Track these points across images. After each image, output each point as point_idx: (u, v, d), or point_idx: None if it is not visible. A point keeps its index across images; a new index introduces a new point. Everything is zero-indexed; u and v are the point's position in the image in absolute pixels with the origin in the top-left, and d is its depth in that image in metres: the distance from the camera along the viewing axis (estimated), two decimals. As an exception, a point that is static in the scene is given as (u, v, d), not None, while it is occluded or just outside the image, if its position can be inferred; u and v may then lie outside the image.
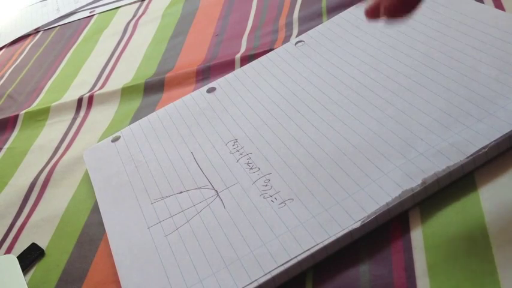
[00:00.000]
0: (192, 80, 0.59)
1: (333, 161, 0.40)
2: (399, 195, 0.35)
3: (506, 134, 0.36)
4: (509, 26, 0.45)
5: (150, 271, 0.38)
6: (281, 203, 0.39)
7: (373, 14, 0.36)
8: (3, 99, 0.71)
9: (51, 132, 0.61)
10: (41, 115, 0.64)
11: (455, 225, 0.34)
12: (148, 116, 0.54)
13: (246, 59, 0.57)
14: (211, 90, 0.53)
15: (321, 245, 0.35)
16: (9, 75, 0.77)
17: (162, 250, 0.39)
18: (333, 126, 0.43)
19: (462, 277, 0.31)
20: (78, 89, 0.67)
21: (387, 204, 0.35)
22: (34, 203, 0.51)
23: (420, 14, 0.49)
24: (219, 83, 0.54)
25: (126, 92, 0.62)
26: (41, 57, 0.78)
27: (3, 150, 0.61)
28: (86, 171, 0.52)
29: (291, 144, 0.43)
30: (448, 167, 0.35)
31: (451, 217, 0.34)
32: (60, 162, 0.55)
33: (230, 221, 0.39)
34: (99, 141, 0.55)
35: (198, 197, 0.42)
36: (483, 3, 0.49)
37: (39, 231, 0.48)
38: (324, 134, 0.43)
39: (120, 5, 0.84)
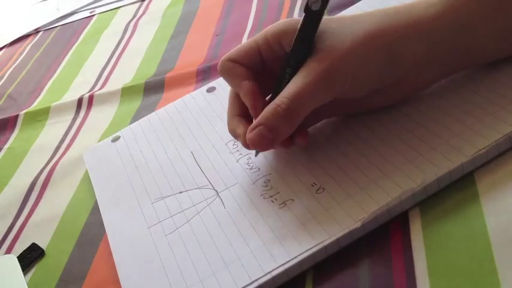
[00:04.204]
0: (192, 80, 0.59)
1: (332, 161, 0.40)
2: (399, 195, 0.35)
3: (506, 134, 0.36)
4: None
5: (150, 271, 0.38)
6: (281, 203, 0.39)
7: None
8: (3, 99, 0.71)
9: (51, 132, 0.61)
10: (41, 115, 0.64)
11: (455, 225, 0.34)
12: (148, 116, 0.54)
13: (246, 59, 0.57)
14: (211, 89, 0.53)
15: (321, 245, 0.35)
16: (9, 75, 0.77)
17: (162, 250, 0.39)
18: (332, 124, 0.43)
19: (462, 277, 0.31)
20: (78, 89, 0.67)
21: (387, 204, 0.35)
22: (34, 203, 0.51)
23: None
24: (219, 82, 0.54)
25: (126, 92, 0.62)
26: (41, 57, 0.78)
27: (3, 150, 0.61)
28: (86, 171, 0.52)
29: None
30: (447, 167, 0.35)
31: (451, 217, 0.34)
32: (60, 162, 0.55)
33: (230, 221, 0.39)
34: (99, 141, 0.55)
35: (198, 197, 0.42)
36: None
37: (39, 231, 0.48)
38: (323, 133, 0.43)
39: (120, 5, 0.84)
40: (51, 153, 0.57)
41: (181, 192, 0.43)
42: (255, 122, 0.39)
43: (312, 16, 0.38)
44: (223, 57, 0.42)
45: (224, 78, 0.43)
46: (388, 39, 0.37)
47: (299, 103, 0.37)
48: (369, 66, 0.37)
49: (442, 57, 0.38)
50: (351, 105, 0.41)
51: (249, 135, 0.38)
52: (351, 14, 0.40)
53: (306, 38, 0.38)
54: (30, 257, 0.45)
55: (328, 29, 0.38)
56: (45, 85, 0.71)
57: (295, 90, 0.37)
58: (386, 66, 0.37)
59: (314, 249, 0.34)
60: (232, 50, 0.42)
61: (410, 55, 0.37)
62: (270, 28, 0.41)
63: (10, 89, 0.73)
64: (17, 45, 0.86)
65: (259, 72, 0.41)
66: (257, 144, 0.39)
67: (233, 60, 0.41)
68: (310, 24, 0.38)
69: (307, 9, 0.38)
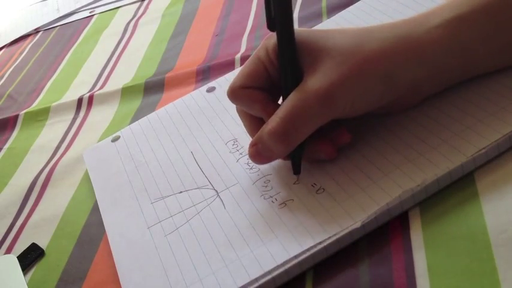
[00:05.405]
0: (192, 80, 0.59)
1: (333, 162, 0.40)
2: (399, 195, 0.35)
3: (506, 134, 0.36)
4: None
5: (150, 271, 0.38)
6: (281, 204, 0.39)
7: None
8: (3, 99, 0.71)
9: (51, 132, 0.61)
10: (41, 115, 0.64)
11: (455, 225, 0.34)
12: (148, 116, 0.54)
13: (246, 59, 0.57)
14: (211, 89, 0.53)
15: (321, 245, 0.35)
16: (9, 75, 0.77)
17: (162, 250, 0.39)
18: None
19: (462, 277, 0.31)
20: (78, 89, 0.67)
21: (387, 204, 0.35)
22: (34, 203, 0.51)
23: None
24: (219, 82, 0.54)
25: (126, 92, 0.62)
26: (41, 57, 0.78)
27: (3, 150, 0.61)
28: (86, 171, 0.52)
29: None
30: (448, 167, 0.35)
31: (451, 217, 0.34)
32: (60, 162, 0.55)
33: (230, 221, 0.39)
34: (99, 141, 0.55)
35: (198, 197, 0.42)
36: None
37: (39, 231, 0.48)
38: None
39: (120, 5, 0.84)
40: (51, 153, 0.57)
41: (181, 192, 0.44)
42: (253, 138, 0.39)
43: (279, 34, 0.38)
44: (232, 85, 0.40)
45: (241, 105, 0.41)
46: (389, 64, 0.37)
47: (292, 124, 0.37)
48: (369, 91, 0.37)
49: (441, 76, 0.39)
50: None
51: (248, 151, 0.39)
52: (352, 28, 0.39)
53: (284, 52, 0.38)
54: (30, 257, 0.45)
55: (326, 50, 0.37)
56: (45, 85, 0.71)
57: (288, 111, 0.37)
58: (385, 89, 0.37)
59: (314, 249, 0.34)
60: (239, 75, 0.40)
61: (410, 78, 0.37)
62: (270, 41, 0.39)
63: (10, 89, 0.73)
64: (16, 45, 0.86)
65: (270, 87, 0.40)
66: (256, 161, 0.39)
67: (245, 87, 0.40)
68: (282, 41, 0.38)
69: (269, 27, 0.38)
